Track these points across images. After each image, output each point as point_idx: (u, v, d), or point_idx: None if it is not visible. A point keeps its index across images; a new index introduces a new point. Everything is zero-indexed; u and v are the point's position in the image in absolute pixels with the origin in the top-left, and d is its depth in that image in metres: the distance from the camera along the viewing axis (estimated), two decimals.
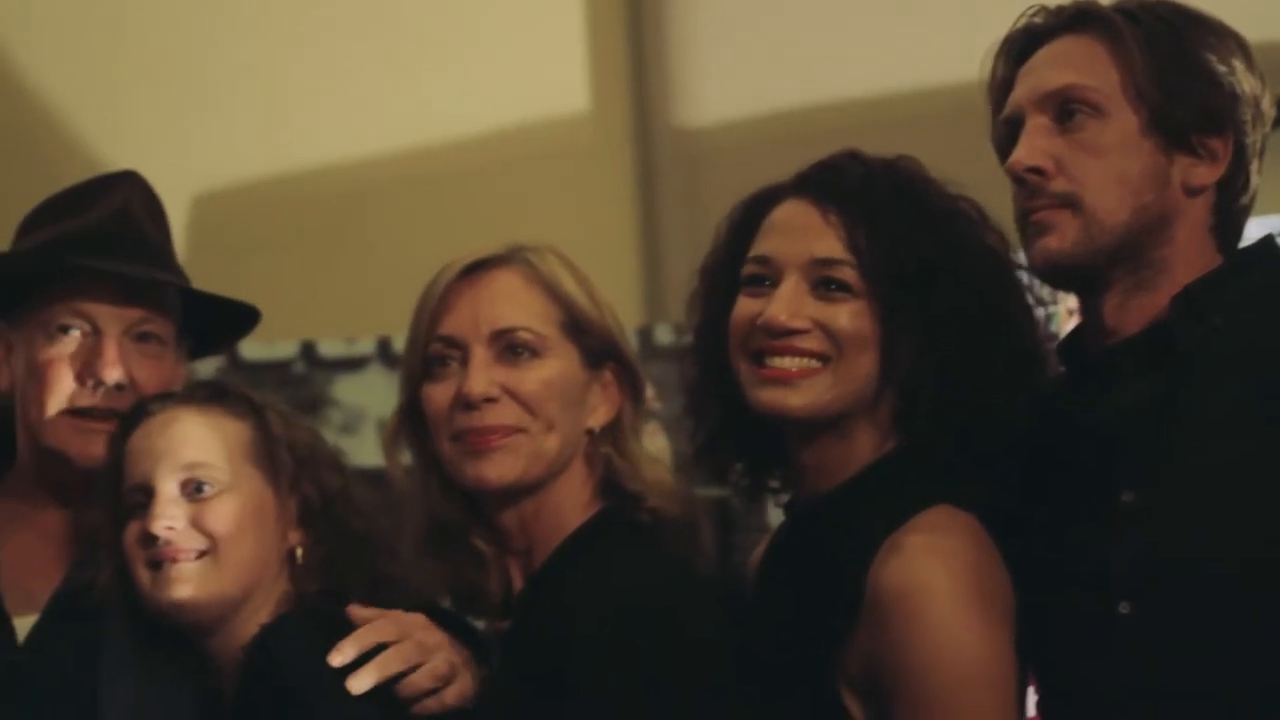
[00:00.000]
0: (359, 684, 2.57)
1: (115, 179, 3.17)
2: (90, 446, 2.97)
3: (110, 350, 3.00)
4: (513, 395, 2.68)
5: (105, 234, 3.07)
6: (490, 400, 2.68)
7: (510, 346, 2.70)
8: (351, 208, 4.55)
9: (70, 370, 3.00)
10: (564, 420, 2.70)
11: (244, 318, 3.22)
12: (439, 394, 2.73)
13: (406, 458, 2.83)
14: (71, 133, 4.60)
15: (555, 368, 2.71)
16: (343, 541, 2.87)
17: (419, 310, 2.78)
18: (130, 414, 2.93)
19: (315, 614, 2.73)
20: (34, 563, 3.00)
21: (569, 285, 2.74)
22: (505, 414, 2.68)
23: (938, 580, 2.44)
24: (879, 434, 2.61)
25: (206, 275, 3.20)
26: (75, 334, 3.02)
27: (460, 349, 2.72)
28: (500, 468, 2.68)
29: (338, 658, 2.57)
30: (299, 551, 2.86)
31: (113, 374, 2.99)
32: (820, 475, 2.64)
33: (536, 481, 2.70)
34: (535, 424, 2.69)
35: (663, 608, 2.54)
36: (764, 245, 2.65)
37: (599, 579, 2.60)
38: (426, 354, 2.75)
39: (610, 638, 2.50)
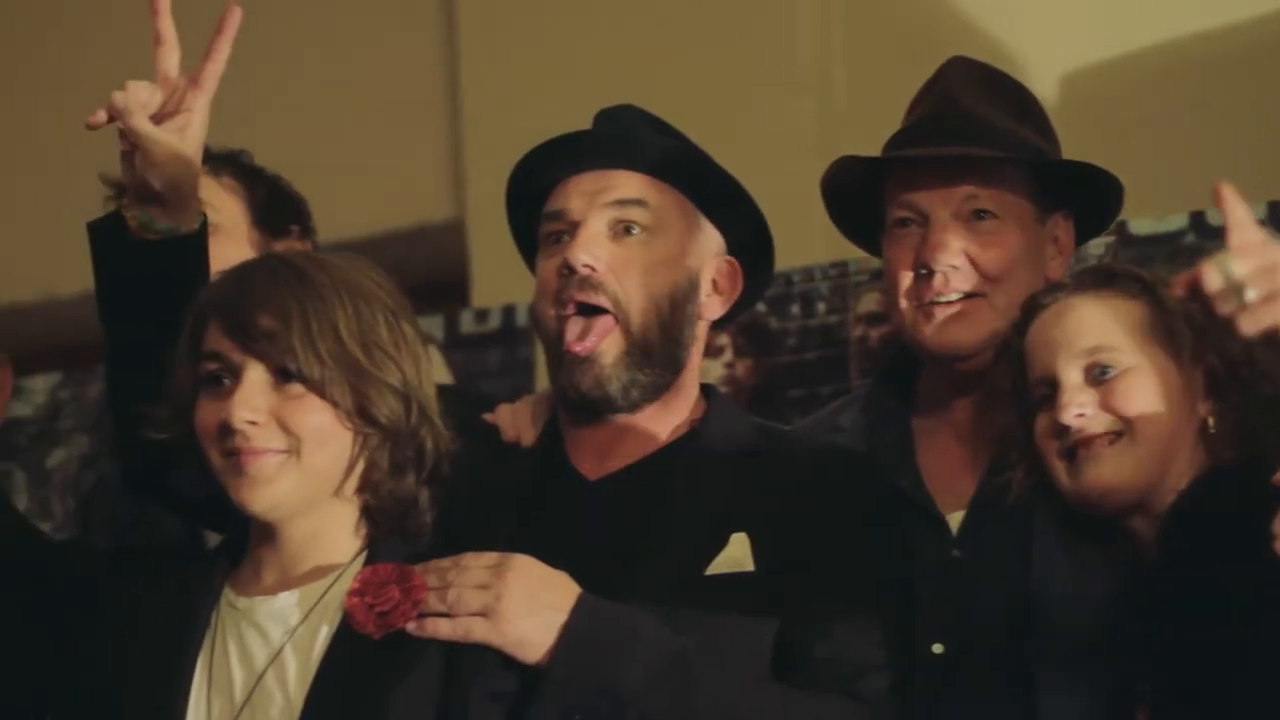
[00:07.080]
0: None
1: (943, 66, 3.21)
2: (940, 335, 3.06)
3: (934, 235, 3.05)
4: None
5: (919, 122, 3.14)
6: None
7: None
8: (1225, 73, 4.44)
9: (908, 262, 3.08)
10: None
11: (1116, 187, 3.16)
12: None
13: None
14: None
15: None
16: (1253, 407, 2.85)
17: None
18: (1022, 310, 2.98)
19: (1227, 476, 2.74)
20: (954, 462, 3.11)
21: None
22: None
23: None
24: None
25: (1090, 155, 3.19)
26: (911, 227, 3.09)
27: None
28: None
29: None
30: (1210, 421, 2.86)
31: (941, 258, 3.04)
32: None
33: None
34: None
35: None
36: None
37: None
38: None
39: None
